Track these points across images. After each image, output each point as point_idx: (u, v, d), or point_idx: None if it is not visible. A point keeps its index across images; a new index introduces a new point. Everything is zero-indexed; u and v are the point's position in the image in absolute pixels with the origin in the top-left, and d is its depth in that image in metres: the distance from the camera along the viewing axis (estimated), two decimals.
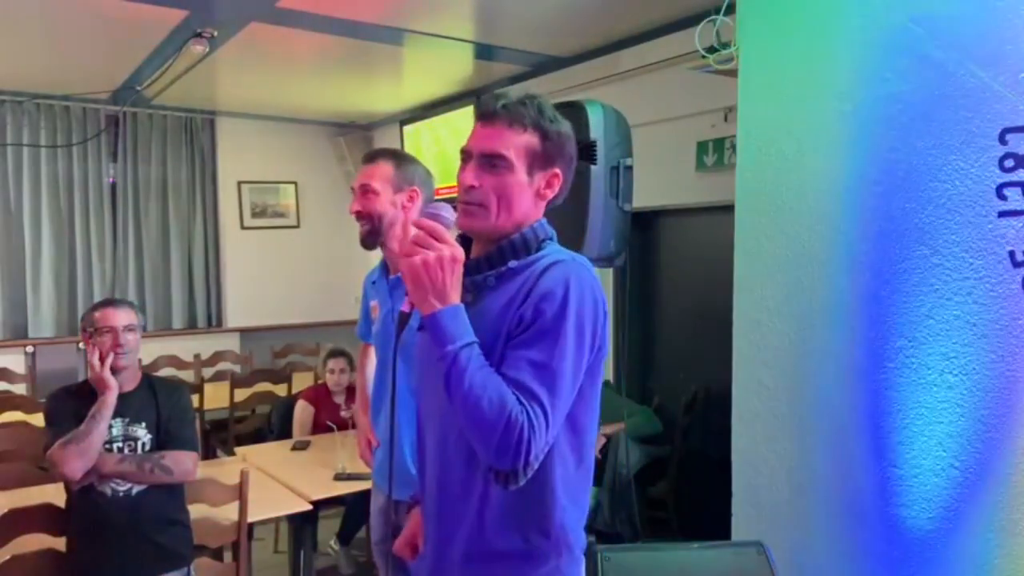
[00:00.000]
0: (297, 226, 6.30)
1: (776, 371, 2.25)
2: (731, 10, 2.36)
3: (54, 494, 2.39)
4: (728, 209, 2.43)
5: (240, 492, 2.48)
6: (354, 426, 3.02)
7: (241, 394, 4.60)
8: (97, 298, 5.20)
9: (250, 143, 6.04)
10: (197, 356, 5.43)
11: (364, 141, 6.20)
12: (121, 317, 2.24)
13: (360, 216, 2.09)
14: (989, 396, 1.81)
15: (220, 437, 4.75)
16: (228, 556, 2.72)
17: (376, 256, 2.24)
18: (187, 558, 2.30)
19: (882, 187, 1.96)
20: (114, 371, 2.19)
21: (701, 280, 3.91)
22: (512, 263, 1.30)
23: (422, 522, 1.45)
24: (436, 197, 2.18)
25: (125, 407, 2.22)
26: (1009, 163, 1.76)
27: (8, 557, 2.14)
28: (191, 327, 5.92)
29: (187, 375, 5.28)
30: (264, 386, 4.74)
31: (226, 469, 3.02)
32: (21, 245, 5.31)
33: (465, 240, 1.37)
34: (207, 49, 3.89)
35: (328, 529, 3.66)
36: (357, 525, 3.58)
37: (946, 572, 1.87)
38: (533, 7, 3.47)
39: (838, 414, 2.07)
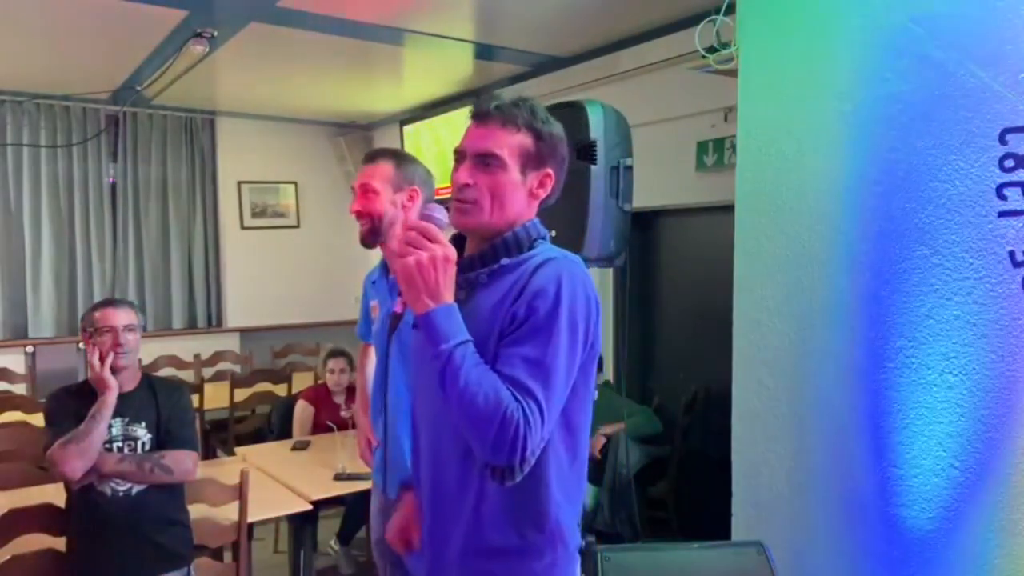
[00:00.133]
0: (297, 226, 6.30)
1: (776, 371, 2.25)
2: (731, 10, 2.36)
3: (54, 494, 2.39)
4: (728, 209, 2.43)
5: (240, 492, 2.48)
6: (354, 426, 3.02)
7: (241, 394, 4.60)
8: (97, 298, 5.20)
9: (250, 143, 6.04)
10: (197, 356, 5.43)
11: (364, 141, 6.20)
12: (121, 317, 2.23)
13: (360, 215, 2.09)
14: (989, 396, 1.81)
15: (220, 437, 4.75)
16: (228, 556, 2.72)
17: (376, 256, 2.24)
18: (187, 558, 2.30)
19: (882, 187, 1.96)
20: (114, 371, 2.19)
21: (701, 280, 3.91)
22: (505, 261, 1.31)
23: (416, 515, 1.46)
24: (436, 197, 2.18)
25: (125, 407, 2.22)
26: (1009, 163, 1.76)
27: (8, 557, 2.14)
28: (191, 327, 5.92)
29: (187, 375, 5.28)
30: (264, 386, 4.74)
31: (226, 469, 3.02)
32: (21, 245, 5.31)
33: (458, 240, 1.39)
34: (207, 49, 3.89)
35: (328, 529, 3.66)
36: (357, 525, 3.58)
37: (946, 572, 1.87)
38: (533, 7, 3.47)
39: (838, 414, 2.07)
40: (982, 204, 1.80)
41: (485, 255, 1.33)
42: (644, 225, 4.09)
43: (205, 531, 2.42)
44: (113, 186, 5.60)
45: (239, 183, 6.06)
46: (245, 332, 6.04)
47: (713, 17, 2.41)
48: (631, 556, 1.91)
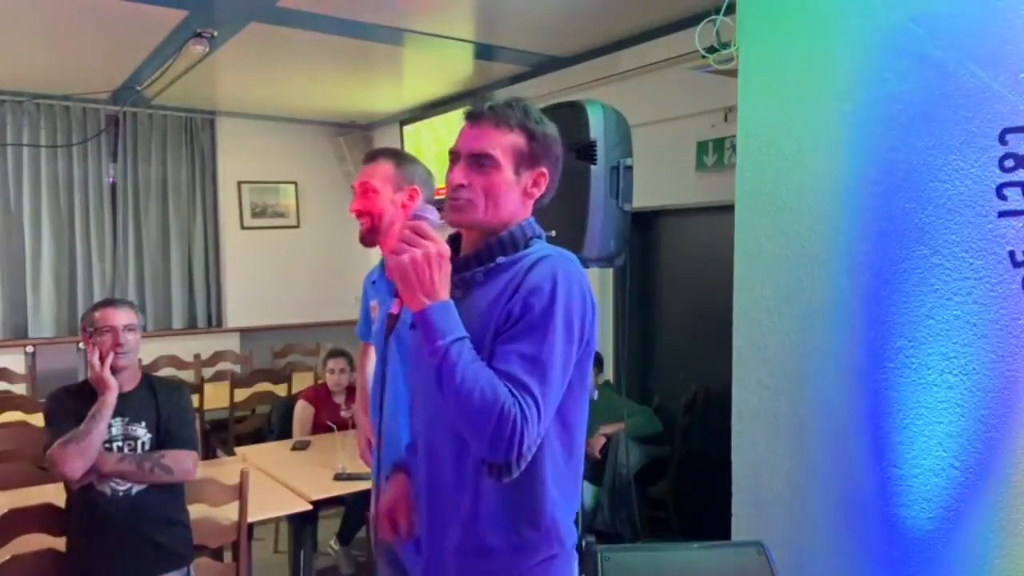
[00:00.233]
0: (297, 226, 6.30)
1: (776, 371, 2.25)
2: (731, 10, 2.36)
3: (54, 494, 2.39)
4: (728, 209, 2.43)
5: (240, 492, 2.48)
6: (354, 426, 3.02)
7: (241, 394, 4.60)
8: (97, 298, 5.20)
9: (250, 143, 6.04)
10: (197, 356, 5.43)
11: (364, 141, 6.20)
12: (121, 317, 2.24)
13: (360, 215, 2.10)
14: (989, 396, 1.81)
15: (220, 437, 4.75)
16: (228, 556, 2.72)
17: (376, 256, 2.23)
18: (187, 558, 2.30)
19: (882, 187, 1.96)
20: (114, 371, 2.19)
21: (701, 280, 3.90)
22: (500, 259, 1.33)
23: (406, 498, 1.47)
24: (437, 197, 2.18)
25: (125, 406, 2.22)
26: (1009, 163, 1.76)
27: (8, 557, 2.14)
28: (191, 327, 5.92)
29: (187, 375, 5.28)
30: (264, 386, 4.73)
31: (226, 469, 3.02)
32: (21, 245, 5.31)
33: (454, 240, 1.40)
34: (207, 49, 3.89)
35: (328, 529, 3.65)
36: (357, 525, 3.58)
37: (946, 572, 1.87)
38: (533, 7, 3.47)
39: (838, 414, 2.07)
40: (982, 204, 1.80)
41: (481, 254, 1.34)
42: (644, 225, 4.09)
43: (205, 531, 2.42)
44: (113, 186, 5.60)
45: (239, 183, 6.05)
46: (245, 332, 6.04)
47: (713, 17, 2.41)
48: (631, 556, 1.91)
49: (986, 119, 1.78)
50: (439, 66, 4.52)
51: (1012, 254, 1.77)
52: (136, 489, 2.20)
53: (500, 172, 1.31)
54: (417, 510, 1.44)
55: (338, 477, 3.01)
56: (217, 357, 5.53)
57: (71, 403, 2.19)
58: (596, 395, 3.84)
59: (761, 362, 2.29)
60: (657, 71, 3.80)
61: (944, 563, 1.87)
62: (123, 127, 5.57)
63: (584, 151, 2.09)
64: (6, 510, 2.20)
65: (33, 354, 5.20)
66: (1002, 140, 1.76)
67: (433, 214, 1.32)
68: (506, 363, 1.20)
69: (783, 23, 2.21)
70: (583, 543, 1.90)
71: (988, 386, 1.81)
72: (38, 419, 3.05)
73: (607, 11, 3.52)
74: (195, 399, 4.14)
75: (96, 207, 5.52)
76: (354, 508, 3.42)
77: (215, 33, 3.75)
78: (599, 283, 4.23)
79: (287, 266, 6.19)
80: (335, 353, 3.89)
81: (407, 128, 5.39)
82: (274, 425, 4.01)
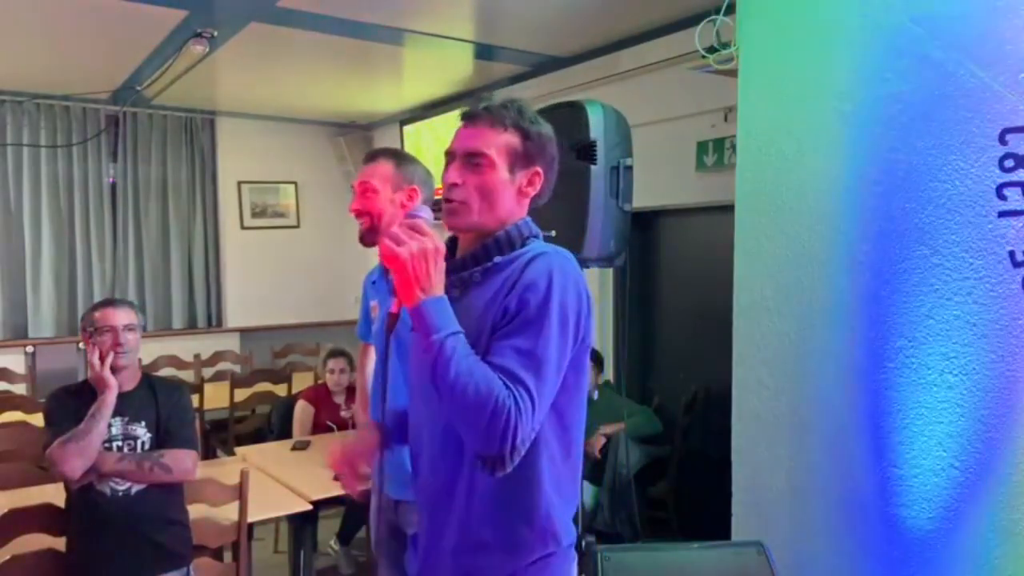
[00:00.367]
0: (297, 226, 6.30)
1: (776, 371, 2.25)
2: (731, 10, 2.36)
3: (54, 494, 2.38)
4: (728, 209, 2.43)
5: (240, 492, 2.47)
6: (354, 426, 3.02)
7: (241, 394, 4.60)
8: (97, 298, 5.20)
9: (250, 143, 6.04)
10: (197, 356, 5.43)
11: (364, 141, 6.20)
12: (121, 316, 2.24)
13: (359, 214, 2.10)
14: (989, 396, 1.81)
15: (220, 437, 4.75)
16: (228, 556, 2.72)
17: (376, 256, 2.23)
18: (187, 558, 2.30)
19: (882, 187, 1.96)
20: (114, 370, 2.19)
21: (701, 280, 3.91)
22: (497, 259, 1.34)
23: (371, 448, 1.51)
24: (436, 197, 2.18)
25: (125, 406, 2.22)
26: (1009, 163, 1.76)
27: (8, 557, 2.14)
28: (191, 327, 5.92)
29: (187, 375, 5.28)
30: (264, 386, 4.73)
31: (226, 469, 3.02)
32: (21, 245, 5.31)
33: (451, 242, 1.41)
34: (207, 49, 3.89)
35: (328, 529, 3.66)
36: (357, 525, 3.58)
37: (946, 572, 1.87)
38: (533, 7, 3.47)
39: (838, 414, 2.07)
40: (982, 204, 1.80)
41: (478, 254, 1.35)
42: (644, 225, 4.09)
43: (205, 531, 2.42)
44: (113, 186, 5.60)
45: (239, 183, 6.05)
46: (245, 332, 6.04)
47: (713, 17, 2.41)
48: (631, 556, 1.91)
49: (986, 119, 1.78)
50: (439, 66, 4.52)
51: (1012, 254, 1.77)
52: (135, 489, 2.20)
53: (494, 171, 1.33)
54: (417, 509, 1.45)
55: (338, 477, 3.00)
56: (217, 357, 5.53)
57: (71, 403, 2.19)
58: (596, 395, 3.86)
59: (761, 362, 2.29)
60: (657, 71, 3.80)
61: (944, 563, 1.87)
62: (123, 127, 5.57)
63: (584, 151, 2.09)
64: (6, 510, 2.20)
65: (33, 354, 5.20)
66: (1002, 140, 1.76)
67: (428, 213, 1.33)
68: (502, 357, 1.21)
69: (783, 23, 2.21)
70: (583, 543, 1.90)
71: (988, 386, 1.81)
72: (38, 419, 3.05)
73: (607, 11, 3.52)
74: (195, 399, 4.14)
75: (96, 207, 5.52)
76: (354, 508, 3.42)
77: (215, 33, 3.75)
78: (599, 283, 4.23)
79: (287, 266, 6.19)
80: (335, 353, 3.89)
81: (407, 128, 5.39)
82: (274, 425, 4.01)
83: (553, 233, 1.49)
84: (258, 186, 6.15)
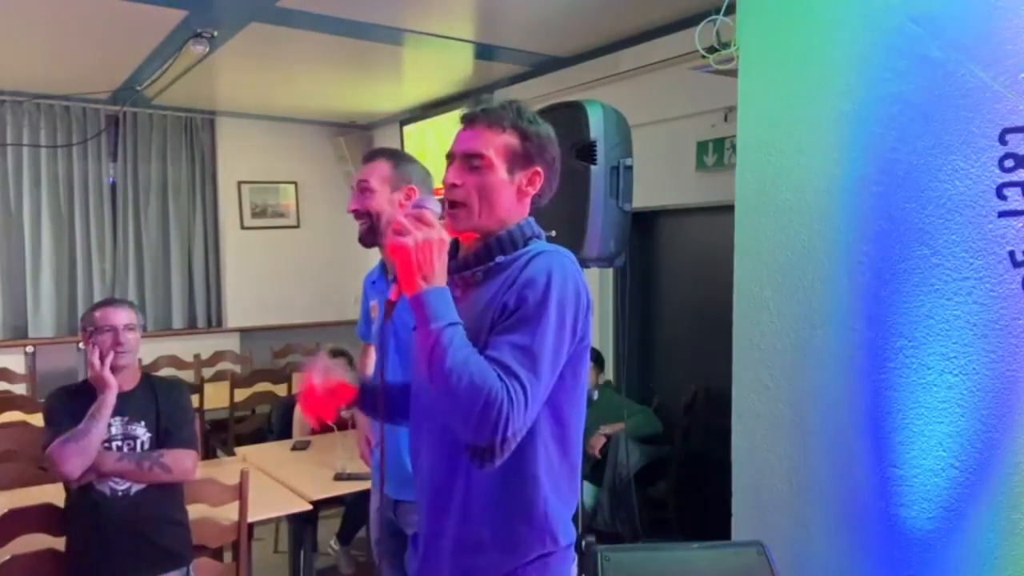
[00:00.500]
0: (297, 226, 6.30)
1: (776, 371, 2.25)
2: (731, 10, 2.36)
3: (54, 494, 2.38)
4: (728, 209, 2.43)
5: (240, 492, 2.47)
6: (354, 426, 3.02)
7: (241, 394, 4.60)
8: (97, 298, 5.21)
9: (250, 143, 6.04)
10: (197, 356, 5.44)
11: (364, 141, 6.20)
12: (121, 316, 2.24)
13: (358, 214, 2.10)
14: (989, 396, 1.80)
15: (220, 437, 4.75)
16: (228, 556, 2.72)
17: (376, 256, 2.23)
18: (186, 558, 2.30)
19: (882, 187, 1.96)
20: (114, 370, 2.19)
21: (701, 280, 3.91)
22: (499, 258, 1.34)
23: (341, 394, 1.54)
24: (435, 197, 2.18)
25: (124, 406, 2.22)
26: (1009, 163, 1.76)
27: (8, 557, 2.14)
28: (191, 327, 5.92)
29: (187, 375, 5.27)
30: (264, 386, 4.73)
31: (226, 469, 3.02)
32: (21, 245, 5.31)
33: (453, 242, 1.40)
34: (207, 49, 3.89)
35: (328, 529, 3.66)
36: (357, 525, 3.58)
37: (946, 572, 1.87)
38: (533, 7, 3.47)
39: (838, 414, 2.07)
40: (982, 204, 1.80)
41: (479, 254, 1.36)
42: (644, 225, 4.09)
43: (205, 531, 2.42)
44: (113, 186, 5.60)
45: (239, 183, 6.05)
46: (245, 332, 6.04)
47: (713, 17, 2.41)
48: (631, 556, 1.91)
49: (986, 119, 1.78)
50: (439, 66, 4.52)
51: (1012, 254, 1.77)
52: (135, 489, 2.20)
53: (493, 172, 1.34)
54: (417, 509, 1.46)
55: (338, 477, 3.01)
56: (217, 357, 5.53)
57: (71, 403, 2.18)
58: (596, 395, 3.86)
59: (761, 362, 2.29)
60: (657, 71, 3.80)
61: (944, 563, 1.87)
62: (123, 127, 5.57)
63: (584, 151, 2.09)
64: (6, 510, 2.20)
65: (33, 354, 5.20)
66: (1002, 140, 1.76)
67: (434, 204, 1.33)
68: (498, 351, 1.22)
69: (783, 23, 2.21)
70: (583, 543, 1.90)
71: (988, 386, 1.81)
72: (38, 419, 3.05)
73: (607, 11, 3.52)
74: (195, 399, 4.14)
75: (96, 207, 5.52)
76: (354, 508, 3.42)
77: (215, 33, 3.75)
78: (599, 283, 4.24)
79: (287, 266, 6.19)
80: (335, 353, 3.88)
81: (407, 128, 5.39)
82: (274, 425, 4.01)
83: (553, 233, 1.49)
84: (258, 186, 6.15)
